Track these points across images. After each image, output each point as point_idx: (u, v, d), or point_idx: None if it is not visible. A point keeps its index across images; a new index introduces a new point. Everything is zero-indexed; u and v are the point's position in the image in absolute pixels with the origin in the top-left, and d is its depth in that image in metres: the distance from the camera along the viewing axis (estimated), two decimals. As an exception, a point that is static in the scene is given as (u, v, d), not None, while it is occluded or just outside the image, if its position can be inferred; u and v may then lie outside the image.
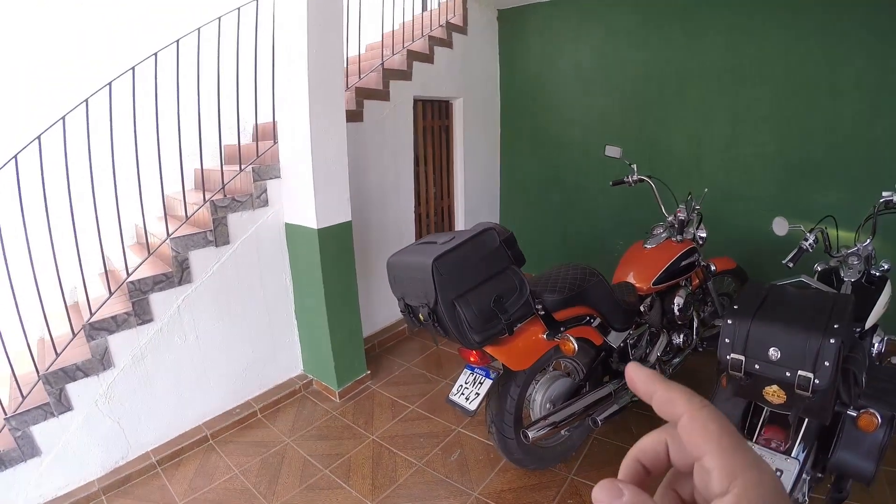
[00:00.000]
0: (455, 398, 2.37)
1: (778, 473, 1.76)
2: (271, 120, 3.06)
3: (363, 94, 3.50)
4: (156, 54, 2.51)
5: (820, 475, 1.95)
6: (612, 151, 3.23)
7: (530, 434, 2.29)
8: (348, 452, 2.81)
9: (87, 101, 2.34)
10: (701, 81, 4.15)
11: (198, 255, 2.73)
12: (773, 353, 1.60)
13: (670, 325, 3.03)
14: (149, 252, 2.65)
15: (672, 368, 3.05)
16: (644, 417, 3.06)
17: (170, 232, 2.63)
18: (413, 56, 3.89)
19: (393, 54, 3.75)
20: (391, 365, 3.78)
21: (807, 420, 1.82)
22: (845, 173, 3.75)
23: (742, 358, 1.67)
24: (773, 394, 1.66)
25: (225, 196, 2.84)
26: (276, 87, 2.95)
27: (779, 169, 3.97)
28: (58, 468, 2.40)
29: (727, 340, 1.71)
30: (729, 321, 1.71)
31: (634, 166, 3.21)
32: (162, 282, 2.58)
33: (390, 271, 2.19)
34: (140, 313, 2.54)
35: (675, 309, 2.99)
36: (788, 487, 1.74)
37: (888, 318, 2.33)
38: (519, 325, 2.19)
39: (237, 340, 3.04)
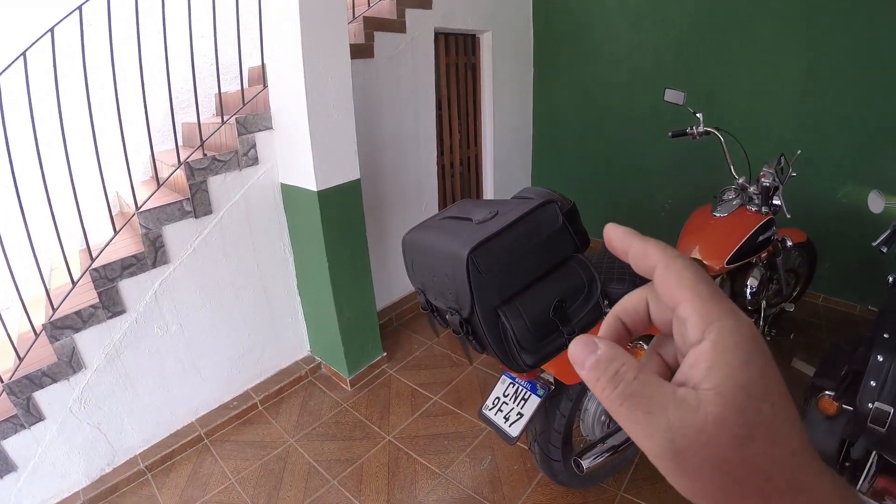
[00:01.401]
0: (491, 415, 1.94)
1: None
2: (261, 62, 2.59)
3: (373, 24, 2.98)
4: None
5: None
6: (674, 96, 2.77)
7: (584, 465, 1.92)
8: (361, 457, 2.51)
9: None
10: (771, 22, 3.57)
11: (174, 229, 2.34)
12: None
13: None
14: (114, 230, 2.26)
15: None
16: None
17: (138, 203, 2.23)
18: (434, -20, 3.32)
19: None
20: (410, 343, 3.44)
21: None
22: None
23: (891, 410, 1.34)
24: None
25: (204, 155, 2.42)
26: (263, 17, 2.46)
27: (857, 130, 3.46)
28: (37, 482, 2.18)
29: (873, 384, 1.36)
30: (879, 357, 1.36)
31: (700, 115, 2.74)
32: (132, 265, 2.21)
33: (407, 252, 1.58)
34: (109, 305, 2.20)
35: (748, 292, 2.61)
36: None
37: None
38: None
39: (229, 324, 2.71)
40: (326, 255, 2.69)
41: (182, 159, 2.33)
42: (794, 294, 3.23)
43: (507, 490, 2.32)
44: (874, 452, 1.63)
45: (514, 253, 1.35)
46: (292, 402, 2.90)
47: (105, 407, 2.32)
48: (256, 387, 2.90)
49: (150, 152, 2.36)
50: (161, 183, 2.34)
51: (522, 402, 1.91)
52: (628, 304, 0.36)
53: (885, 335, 1.40)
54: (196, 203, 2.38)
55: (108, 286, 2.17)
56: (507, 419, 1.90)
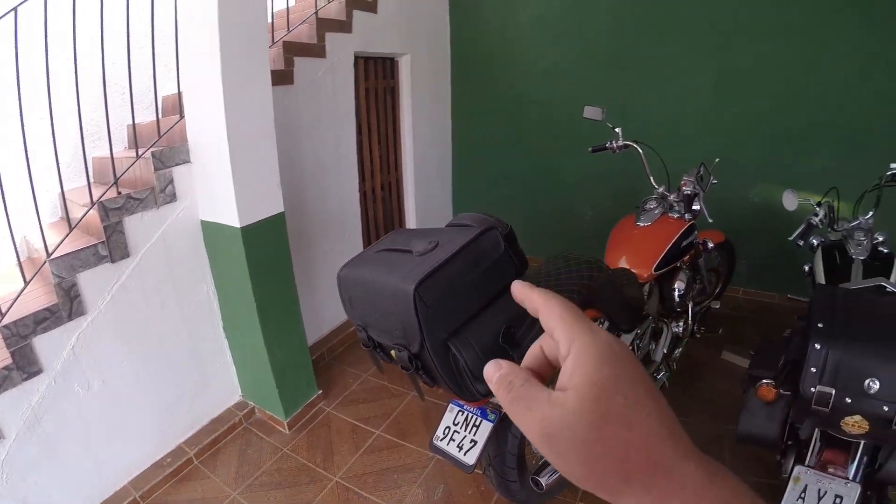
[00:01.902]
0: (443, 446, 1.94)
1: (837, 500, 1.67)
2: (177, 90, 2.46)
3: (293, 49, 2.92)
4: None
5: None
6: (593, 113, 2.91)
7: (544, 482, 1.96)
8: (310, 503, 2.39)
9: None
10: (682, 36, 3.90)
11: (89, 276, 2.14)
12: (871, 384, 1.42)
13: (668, 313, 2.80)
14: (24, 280, 2.03)
15: (675, 364, 2.86)
16: None
17: (49, 251, 2.02)
18: (353, 4, 3.33)
19: (329, 2, 3.16)
20: (345, 377, 3.35)
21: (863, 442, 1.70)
22: (833, 141, 3.69)
23: (832, 391, 1.46)
24: (854, 425, 1.48)
25: (119, 193, 2.25)
26: (180, 42, 2.34)
27: (765, 135, 3.85)
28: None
29: (813, 370, 1.48)
30: (816, 346, 1.49)
31: (619, 130, 2.92)
32: (46, 319, 1.99)
33: (343, 289, 1.56)
34: (23, 365, 1.96)
35: (676, 295, 2.75)
36: None
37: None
38: None
39: (156, 375, 2.50)
40: (254, 293, 2.57)
41: (95, 198, 2.14)
42: (717, 291, 3.49)
43: None
44: (817, 431, 1.79)
45: (459, 283, 1.36)
46: (229, 452, 2.72)
47: (29, 479, 2.06)
48: (189, 440, 2.69)
49: (59, 190, 2.15)
50: (73, 225, 2.14)
51: (474, 428, 1.92)
52: (530, 353, 0.44)
53: (819, 325, 1.53)
54: (112, 246, 2.19)
55: (21, 344, 1.93)
56: (460, 448, 1.91)
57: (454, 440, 1.93)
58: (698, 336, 3.09)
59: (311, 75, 3.11)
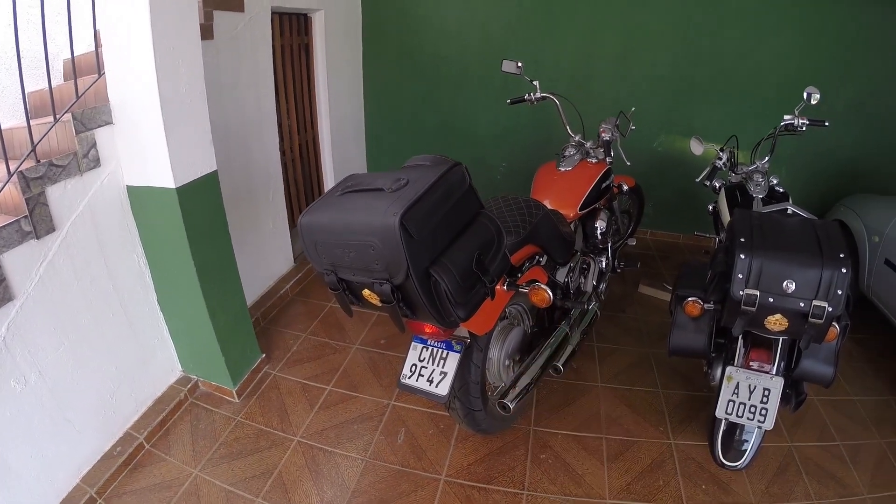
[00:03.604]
0: (412, 382, 1.99)
1: (766, 393, 1.94)
2: (94, 49, 2.16)
3: (212, 3, 2.66)
4: None
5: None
6: (510, 67, 3.00)
7: (511, 405, 2.05)
8: (276, 466, 2.36)
9: None
10: None
11: (14, 257, 1.86)
12: (788, 285, 1.66)
13: (593, 250, 3.01)
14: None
15: (603, 295, 3.08)
16: (585, 353, 3.09)
17: (-38, 231, 1.74)
18: (271, -45, 3.05)
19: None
20: (285, 339, 3.26)
21: (782, 340, 1.98)
22: (729, 94, 4.06)
23: (757, 293, 1.69)
24: (776, 322, 1.72)
25: (38, 162, 1.96)
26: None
27: (668, 89, 4.16)
28: None
29: (741, 276, 1.71)
30: (742, 256, 1.71)
31: (537, 83, 3.05)
32: (-31, 309, 1.73)
33: (308, 235, 1.50)
34: (-54, 362, 1.70)
35: (599, 233, 2.97)
36: (776, 404, 1.92)
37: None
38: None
39: (94, 360, 2.27)
40: (193, 258, 2.39)
41: (10, 171, 1.86)
42: (630, 231, 3.76)
43: (432, 454, 2.41)
44: (741, 336, 2.04)
45: (436, 214, 1.44)
46: (181, 431, 2.56)
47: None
48: (136, 424, 2.48)
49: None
50: (-9, 201, 1.85)
51: (442, 361, 1.98)
52: None
53: (742, 239, 1.75)
54: (36, 220, 1.92)
55: (-58, 339, 1.67)
56: (431, 381, 1.97)
57: (423, 375, 1.98)
58: (619, 271, 3.33)
59: (230, 30, 2.86)
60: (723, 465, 2.12)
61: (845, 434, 2.55)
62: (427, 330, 1.87)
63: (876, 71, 3.83)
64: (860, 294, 3.24)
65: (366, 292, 1.51)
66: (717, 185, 2.90)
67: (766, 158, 2.70)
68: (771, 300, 1.69)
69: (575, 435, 2.52)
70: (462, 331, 1.92)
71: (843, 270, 1.61)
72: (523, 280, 2.10)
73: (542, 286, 2.02)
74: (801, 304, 1.65)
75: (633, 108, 3.10)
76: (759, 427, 1.98)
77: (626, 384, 2.86)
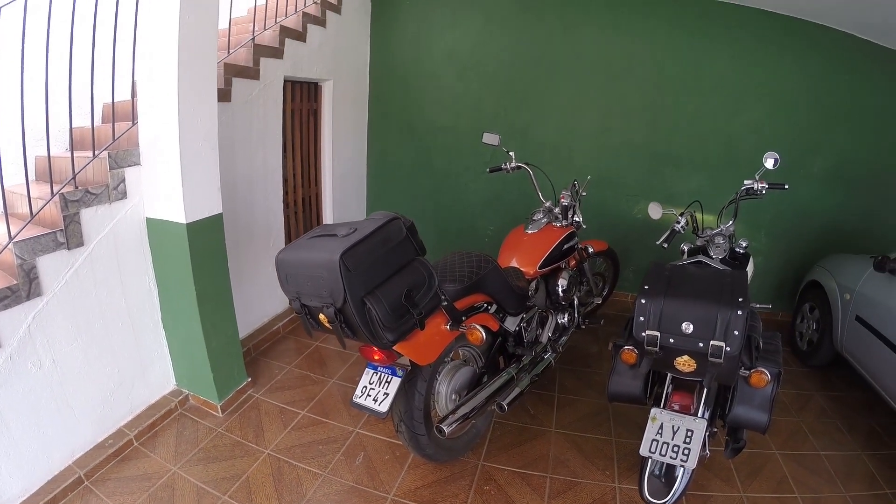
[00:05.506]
0: (361, 401, 2.29)
1: (689, 434, 1.97)
2: (129, 98, 2.65)
3: (232, 71, 3.20)
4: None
5: (715, 430, 2.22)
6: (490, 139, 3.33)
7: (446, 429, 2.31)
8: (245, 472, 2.61)
9: None
10: (574, 73, 4.46)
11: (48, 260, 2.27)
12: (686, 326, 1.79)
13: (554, 306, 3.25)
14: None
15: (561, 347, 3.27)
16: (540, 398, 3.27)
17: (12, 234, 2.15)
18: (286, 33, 3.64)
19: (265, 29, 3.46)
20: (271, 369, 3.56)
21: (709, 385, 2.05)
22: (705, 163, 4.32)
23: (657, 334, 1.84)
24: (684, 363, 1.86)
25: (76, 188, 2.41)
26: (138, 58, 2.56)
27: (645, 158, 4.43)
28: None
29: (641, 319, 1.88)
30: (642, 301, 1.88)
31: (512, 154, 3.37)
32: (6, 297, 2.10)
33: (281, 269, 1.99)
34: (-15, 338, 2.06)
35: (560, 290, 3.21)
36: (699, 444, 1.95)
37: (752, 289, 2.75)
38: (428, 319, 2.14)
39: (100, 360, 2.62)
40: (195, 285, 2.77)
41: (54, 192, 2.30)
42: (604, 294, 4.02)
43: (384, 476, 2.62)
44: (669, 378, 2.14)
45: (372, 255, 1.95)
46: (167, 434, 2.85)
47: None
48: (129, 423, 2.79)
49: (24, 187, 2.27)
50: (35, 213, 2.28)
51: (386, 384, 2.29)
52: None
53: (646, 287, 1.93)
54: (69, 234, 2.34)
55: (-17, 319, 2.05)
56: (375, 400, 2.26)
57: (370, 395, 2.28)
58: (583, 328, 3.57)
59: (245, 95, 3.38)
60: (648, 502, 2.08)
61: (805, 487, 2.56)
62: (376, 357, 2.20)
63: (849, 139, 4.06)
64: (835, 352, 3.31)
65: (321, 316, 1.91)
66: (685, 248, 2.97)
67: (731, 222, 2.80)
68: (671, 340, 1.79)
69: (521, 472, 2.65)
70: (405, 359, 2.22)
71: (739, 312, 1.70)
72: (468, 323, 2.36)
73: (477, 327, 2.26)
74: (700, 345, 1.74)
75: (588, 177, 3.43)
76: (683, 466, 1.98)
77: (580, 431, 2.96)
